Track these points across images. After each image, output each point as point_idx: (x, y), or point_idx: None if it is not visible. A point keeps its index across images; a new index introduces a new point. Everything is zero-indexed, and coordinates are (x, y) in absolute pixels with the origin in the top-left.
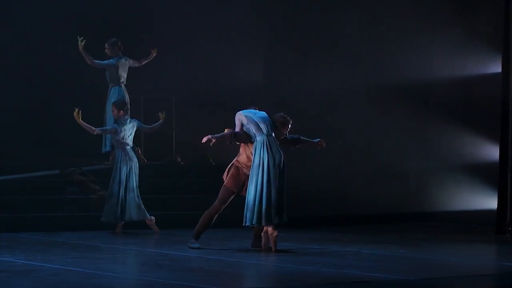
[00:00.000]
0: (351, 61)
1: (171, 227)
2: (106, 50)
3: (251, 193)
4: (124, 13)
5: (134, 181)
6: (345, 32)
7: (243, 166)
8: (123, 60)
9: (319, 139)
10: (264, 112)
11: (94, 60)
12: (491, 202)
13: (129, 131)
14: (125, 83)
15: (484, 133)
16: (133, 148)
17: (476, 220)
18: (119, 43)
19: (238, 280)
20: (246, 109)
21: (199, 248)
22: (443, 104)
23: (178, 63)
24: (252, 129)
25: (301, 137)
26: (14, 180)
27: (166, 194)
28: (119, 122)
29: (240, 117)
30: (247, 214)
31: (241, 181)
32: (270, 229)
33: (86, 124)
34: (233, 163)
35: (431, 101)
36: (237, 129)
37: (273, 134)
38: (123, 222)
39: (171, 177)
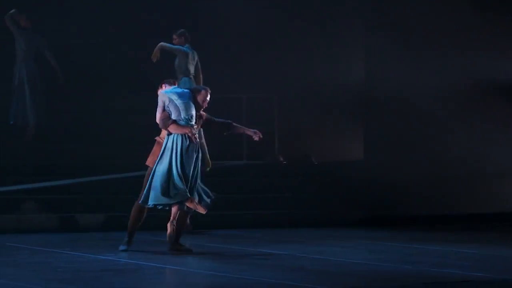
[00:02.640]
0: (453, 59)
1: (272, 226)
2: (173, 41)
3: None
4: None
5: None
6: (445, 30)
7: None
8: (193, 52)
9: (255, 130)
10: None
11: (166, 44)
12: None
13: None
14: (194, 75)
15: None
16: None
17: None
18: (187, 34)
19: (339, 279)
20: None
21: (126, 250)
22: None
23: (279, 62)
24: (172, 112)
25: (234, 123)
26: (109, 180)
27: (268, 193)
28: None
29: (163, 98)
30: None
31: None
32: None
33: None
34: (156, 141)
35: None
36: (160, 110)
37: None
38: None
39: (272, 177)
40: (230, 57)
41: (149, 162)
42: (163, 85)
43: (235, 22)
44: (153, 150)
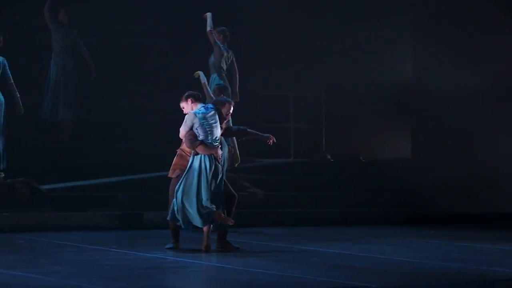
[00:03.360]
0: (500, 58)
1: (319, 224)
2: (215, 36)
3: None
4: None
5: None
6: (492, 29)
7: (187, 153)
8: (230, 54)
9: (269, 134)
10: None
11: (213, 32)
12: None
13: None
14: (226, 74)
15: None
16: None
17: None
18: (227, 33)
19: (387, 277)
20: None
21: (172, 248)
22: None
23: (327, 61)
24: (200, 134)
25: (248, 129)
26: (157, 177)
27: (315, 191)
28: None
29: (194, 120)
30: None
31: (184, 167)
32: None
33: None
34: (177, 152)
35: None
36: (187, 128)
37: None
38: None
39: (320, 175)
40: (278, 56)
41: (171, 174)
42: (189, 100)
43: (283, 21)
44: (174, 162)
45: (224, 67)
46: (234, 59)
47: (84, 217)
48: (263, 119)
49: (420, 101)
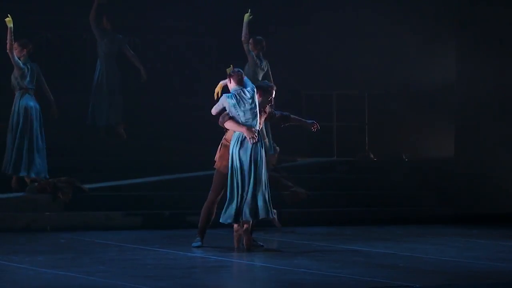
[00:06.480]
0: None
1: (361, 223)
2: (249, 46)
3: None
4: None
5: None
6: None
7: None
8: (264, 63)
9: (313, 121)
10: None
11: (248, 44)
12: None
13: None
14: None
15: None
16: None
17: None
18: (263, 43)
19: (431, 277)
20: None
21: (200, 246)
22: None
23: (370, 60)
24: (233, 115)
25: (292, 115)
26: (203, 176)
27: (358, 190)
28: None
29: (225, 103)
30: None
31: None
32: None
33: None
34: (221, 142)
35: None
36: (217, 109)
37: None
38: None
39: (362, 174)
40: (321, 54)
41: (218, 165)
42: (235, 82)
43: (326, 20)
44: (220, 153)
45: (259, 77)
46: (269, 68)
47: (127, 217)
48: (306, 118)
49: (463, 100)
